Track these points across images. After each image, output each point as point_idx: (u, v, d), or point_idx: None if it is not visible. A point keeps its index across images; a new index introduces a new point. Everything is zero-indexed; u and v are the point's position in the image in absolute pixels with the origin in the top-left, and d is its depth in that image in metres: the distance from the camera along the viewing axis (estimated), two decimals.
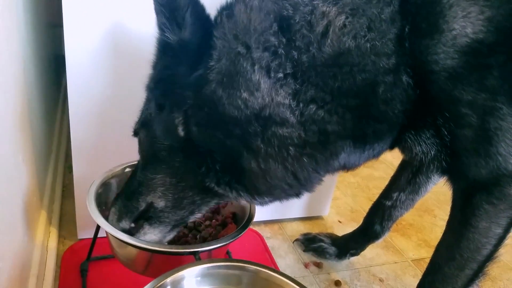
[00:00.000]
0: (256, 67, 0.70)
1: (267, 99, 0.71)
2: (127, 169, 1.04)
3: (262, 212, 1.36)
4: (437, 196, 1.71)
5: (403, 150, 0.81)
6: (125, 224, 0.85)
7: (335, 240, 1.32)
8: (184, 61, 0.74)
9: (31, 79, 1.13)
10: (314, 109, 0.71)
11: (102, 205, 0.94)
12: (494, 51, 0.65)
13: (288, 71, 0.70)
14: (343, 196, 1.70)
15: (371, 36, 0.68)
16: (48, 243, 1.14)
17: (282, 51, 0.70)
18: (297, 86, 0.70)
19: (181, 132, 0.76)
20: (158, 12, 0.73)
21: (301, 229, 1.45)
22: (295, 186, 0.79)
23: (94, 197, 0.92)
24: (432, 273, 0.89)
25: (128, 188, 0.87)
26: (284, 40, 0.69)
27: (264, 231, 1.40)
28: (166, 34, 0.74)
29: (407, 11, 0.68)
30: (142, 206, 0.84)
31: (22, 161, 0.93)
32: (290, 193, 0.80)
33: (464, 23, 0.64)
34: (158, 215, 0.84)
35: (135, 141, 0.89)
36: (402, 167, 1.15)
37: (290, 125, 0.72)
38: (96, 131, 1.11)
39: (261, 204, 0.83)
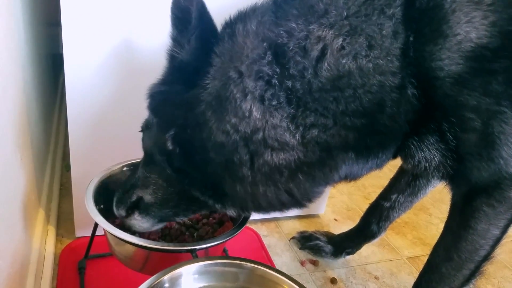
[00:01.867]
0: (248, 96, 0.69)
1: (259, 123, 0.70)
2: (125, 168, 1.05)
3: None
4: (432, 195, 1.71)
5: (405, 158, 0.79)
6: (121, 212, 0.89)
7: (331, 238, 1.33)
8: (180, 80, 0.75)
9: (29, 78, 1.13)
10: (316, 132, 0.70)
11: (100, 203, 0.95)
12: (498, 56, 0.64)
13: (281, 100, 0.69)
14: (339, 194, 1.71)
15: (374, 55, 0.67)
16: (46, 241, 1.15)
17: (276, 82, 0.68)
18: (293, 111, 0.69)
19: (169, 146, 0.77)
20: (173, 24, 0.72)
21: (297, 227, 1.46)
22: (291, 202, 0.78)
23: (92, 195, 0.93)
24: (429, 272, 0.89)
25: (128, 181, 0.91)
26: (278, 70, 0.68)
27: (260, 229, 1.41)
28: (175, 49, 0.73)
29: (411, 18, 0.66)
30: (134, 198, 0.87)
31: (21, 159, 0.93)
32: (287, 207, 0.79)
33: (468, 28, 0.64)
34: (146, 207, 0.87)
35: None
36: (403, 170, 1.16)
37: (290, 148, 0.71)
38: (93, 130, 1.11)
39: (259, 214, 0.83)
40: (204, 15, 0.70)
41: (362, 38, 0.67)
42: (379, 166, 0.79)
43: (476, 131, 0.68)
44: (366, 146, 0.73)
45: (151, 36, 1.02)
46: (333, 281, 1.23)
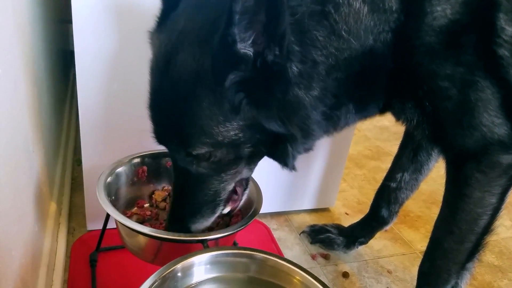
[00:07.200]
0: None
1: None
2: (135, 160, 1.05)
3: (269, 204, 1.36)
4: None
5: (393, 115, 0.86)
6: None
7: (342, 230, 1.32)
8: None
9: (40, 73, 1.14)
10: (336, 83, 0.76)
11: (112, 195, 0.95)
12: (467, 31, 0.70)
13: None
14: (349, 188, 1.70)
15: (378, 28, 0.72)
16: (58, 234, 1.15)
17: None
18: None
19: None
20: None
21: (307, 220, 1.45)
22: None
23: (104, 186, 0.93)
24: (433, 250, 0.91)
25: None
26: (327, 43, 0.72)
27: (270, 223, 1.41)
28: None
29: None
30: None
31: (33, 152, 0.94)
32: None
33: (446, 6, 0.70)
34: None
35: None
36: (403, 147, 1.15)
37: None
38: (104, 124, 1.12)
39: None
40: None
41: (381, 15, 0.71)
42: (366, 117, 0.86)
43: (452, 99, 0.73)
44: (361, 100, 0.81)
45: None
46: (345, 274, 1.22)
